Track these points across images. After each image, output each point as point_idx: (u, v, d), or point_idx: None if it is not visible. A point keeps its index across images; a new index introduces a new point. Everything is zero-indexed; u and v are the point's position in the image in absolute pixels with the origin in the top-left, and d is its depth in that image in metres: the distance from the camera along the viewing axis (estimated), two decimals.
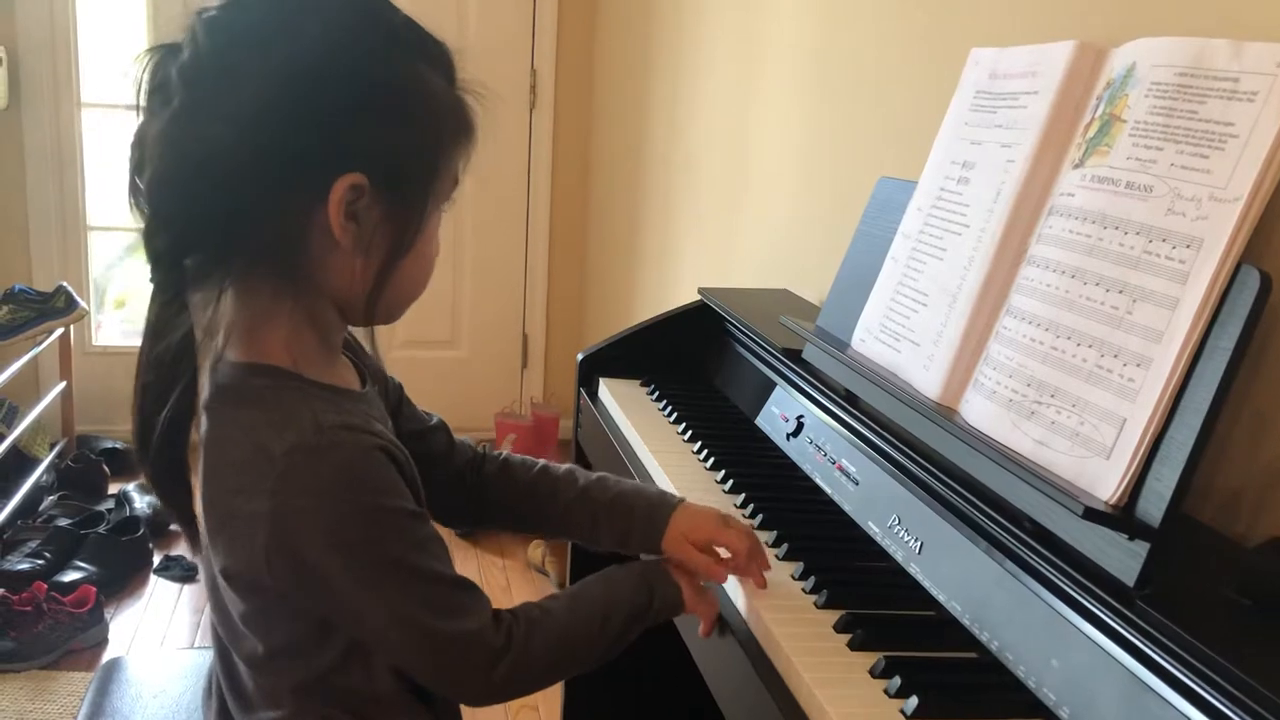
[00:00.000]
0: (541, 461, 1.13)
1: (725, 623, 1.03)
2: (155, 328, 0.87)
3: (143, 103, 0.82)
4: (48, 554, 2.66)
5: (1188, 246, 0.83)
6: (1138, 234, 0.89)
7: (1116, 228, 0.91)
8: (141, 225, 0.83)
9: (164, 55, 0.82)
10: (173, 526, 2.97)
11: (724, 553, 1.04)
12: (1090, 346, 0.90)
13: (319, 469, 0.82)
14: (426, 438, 1.09)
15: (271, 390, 0.86)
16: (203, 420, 0.89)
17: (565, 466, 1.12)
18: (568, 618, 0.95)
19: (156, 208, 0.82)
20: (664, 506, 1.06)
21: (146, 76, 0.82)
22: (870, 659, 0.90)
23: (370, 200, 0.84)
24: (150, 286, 0.86)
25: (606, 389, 1.70)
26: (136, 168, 0.83)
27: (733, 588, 1.05)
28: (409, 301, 0.93)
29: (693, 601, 1.01)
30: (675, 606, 1.01)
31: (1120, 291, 0.89)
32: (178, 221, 0.82)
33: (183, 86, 0.80)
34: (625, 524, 1.06)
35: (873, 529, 1.12)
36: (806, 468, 1.31)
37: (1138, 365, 0.85)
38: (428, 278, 0.93)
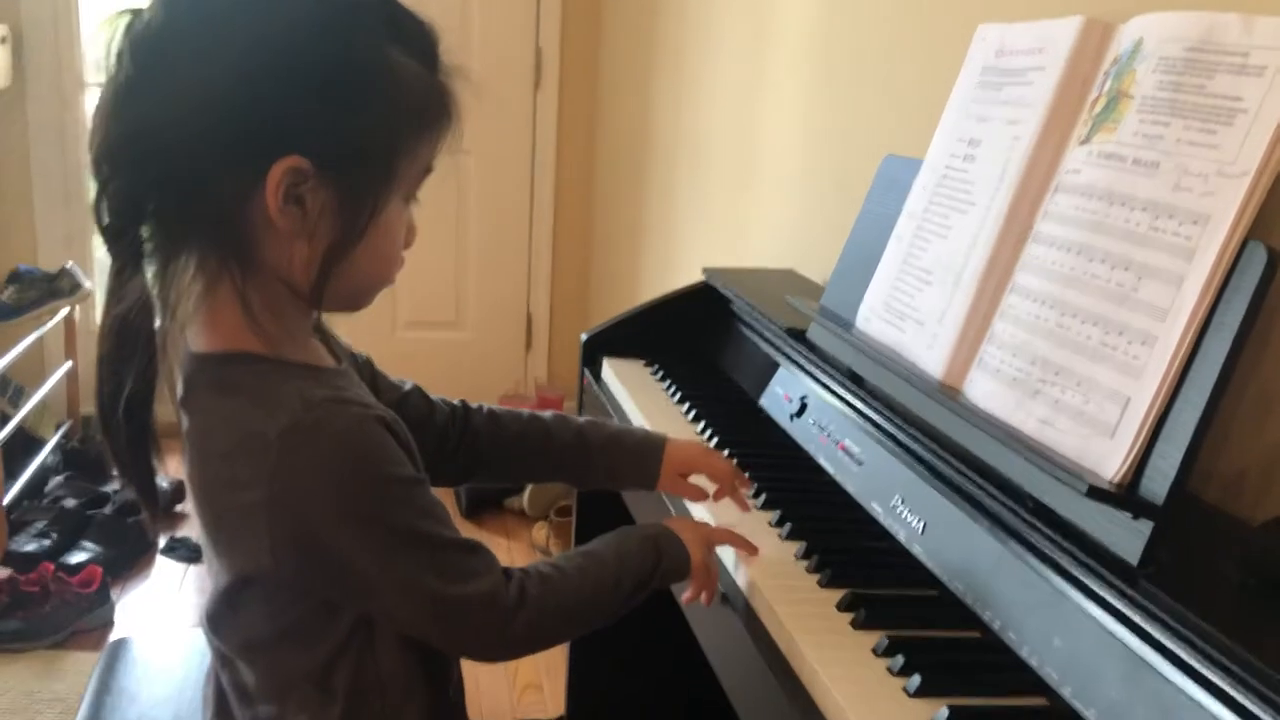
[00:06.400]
0: (526, 410, 1.17)
1: (726, 598, 1.03)
2: (109, 298, 0.85)
3: (109, 68, 0.81)
4: (54, 535, 2.67)
5: (1194, 223, 0.83)
6: (1144, 210, 0.88)
7: (1123, 204, 0.90)
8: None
9: (128, 23, 0.80)
10: (178, 508, 2.98)
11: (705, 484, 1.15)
12: (1095, 324, 0.89)
13: (317, 447, 0.81)
14: (404, 404, 1.08)
15: (250, 375, 0.84)
16: (182, 417, 0.88)
17: (550, 412, 1.17)
18: (579, 577, 0.95)
19: (100, 177, 0.81)
20: (654, 442, 1.15)
21: (111, 43, 0.80)
22: (873, 638, 0.90)
23: (315, 184, 0.81)
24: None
25: (610, 369, 1.70)
26: (90, 135, 0.82)
27: (735, 567, 1.05)
28: (369, 291, 0.90)
29: (698, 569, 1.01)
30: (681, 571, 1.00)
31: (1126, 268, 0.88)
32: (118, 193, 0.81)
33: (131, 56, 0.79)
34: (619, 462, 1.15)
35: (876, 509, 1.12)
36: (810, 448, 1.31)
37: (1143, 343, 0.84)
38: (389, 269, 0.89)
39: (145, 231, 0.83)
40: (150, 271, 0.84)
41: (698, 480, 1.16)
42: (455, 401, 1.15)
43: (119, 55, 0.79)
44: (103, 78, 0.81)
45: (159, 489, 0.92)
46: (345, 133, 0.81)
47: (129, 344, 0.85)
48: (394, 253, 0.89)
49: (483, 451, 1.14)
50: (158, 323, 0.85)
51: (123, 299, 0.84)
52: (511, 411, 1.16)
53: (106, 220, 0.82)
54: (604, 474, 1.17)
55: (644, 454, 1.14)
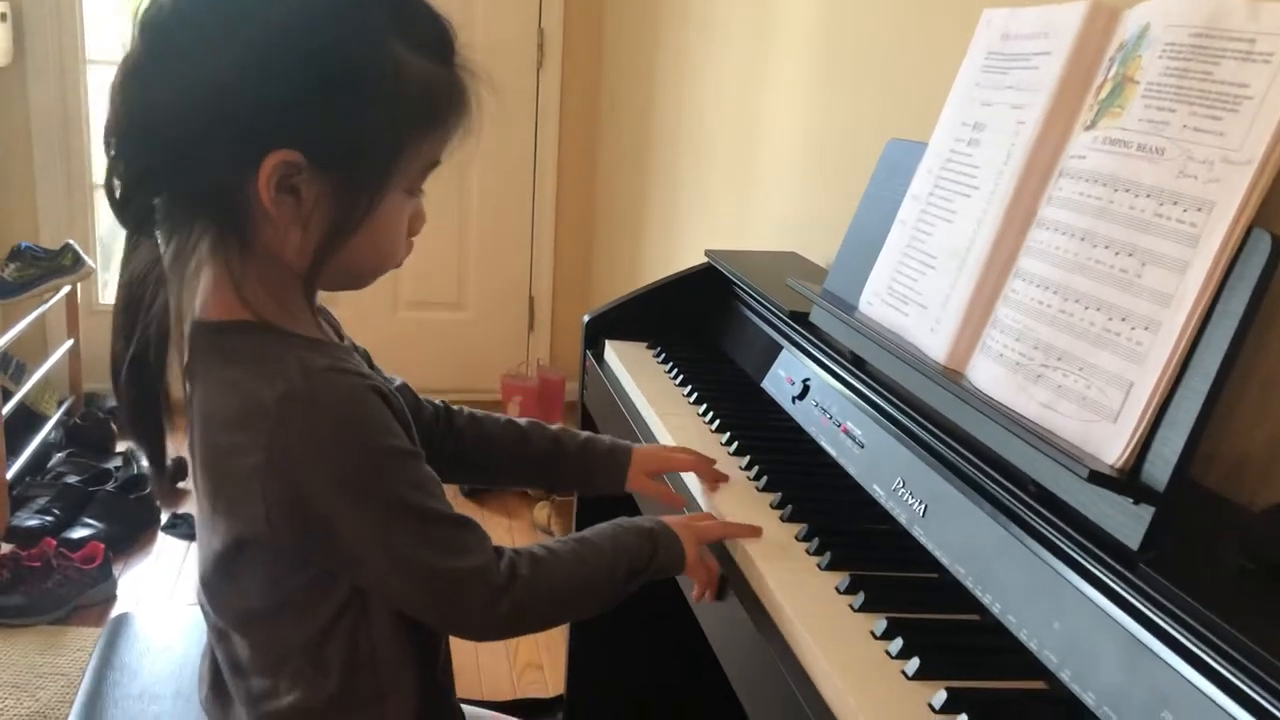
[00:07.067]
0: (503, 415, 1.21)
1: (726, 583, 1.03)
2: (123, 265, 0.88)
3: (125, 47, 0.83)
4: (56, 510, 2.68)
5: (1199, 209, 0.83)
6: (1148, 196, 0.88)
7: (1127, 190, 0.90)
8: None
9: (144, 4, 0.82)
10: (180, 484, 2.99)
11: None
12: (1099, 310, 0.90)
13: (314, 414, 0.82)
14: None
15: (252, 345, 0.86)
16: (186, 385, 0.90)
17: (525, 419, 1.21)
18: (573, 561, 0.96)
19: (109, 152, 0.84)
20: (623, 447, 1.20)
21: (134, 21, 0.82)
22: (873, 621, 0.90)
23: (310, 176, 0.82)
24: None
25: (613, 351, 1.70)
26: (107, 111, 0.84)
27: (735, 549, 1.05)
28: (369, 274, 0.91)
29: (694, 564, 1.02)
30: (676, 566, 1.02)
31: (1130, 254, 0.88)
32: (125, 168, 0.84)
33: (140, 38, 0.81)
34: (591, 466, 1.19)
35: (877, 492, 1.12)
36: (812, 431, 1.31)
37: (1146, 329, 0.84)
38: (388, 257, 0.91)
39: (157, 202, 0.85)
40: (161, 242, 0.86)
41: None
42: (438, 402, 1.18)
43: (132, 35, 0.81)
44: (106, 55, 0.83)
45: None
46: (341, 129, 0.82)
47: (137, 310, 0.87)
48: (392, 243, 0.90)
49: (466, 452, 1.17)
50: (170, 291, 0.87)
51: (133, 267, 0.87)
52: (490, 415, 1.20)
53: (117, 193, 0.85)
54: (576, 477, 1.22)
55: (614, 458, 1.19)
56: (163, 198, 0.84)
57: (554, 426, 1.20)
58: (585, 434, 1.21)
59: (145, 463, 0.95)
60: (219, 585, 0.91)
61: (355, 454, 0.84)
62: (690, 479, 1.22)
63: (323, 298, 0.95)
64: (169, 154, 0.82)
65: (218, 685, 0.97)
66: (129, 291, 0.87)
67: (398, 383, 1.12)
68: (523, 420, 1.20)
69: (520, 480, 1.26)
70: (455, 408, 1.18)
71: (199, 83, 0.80)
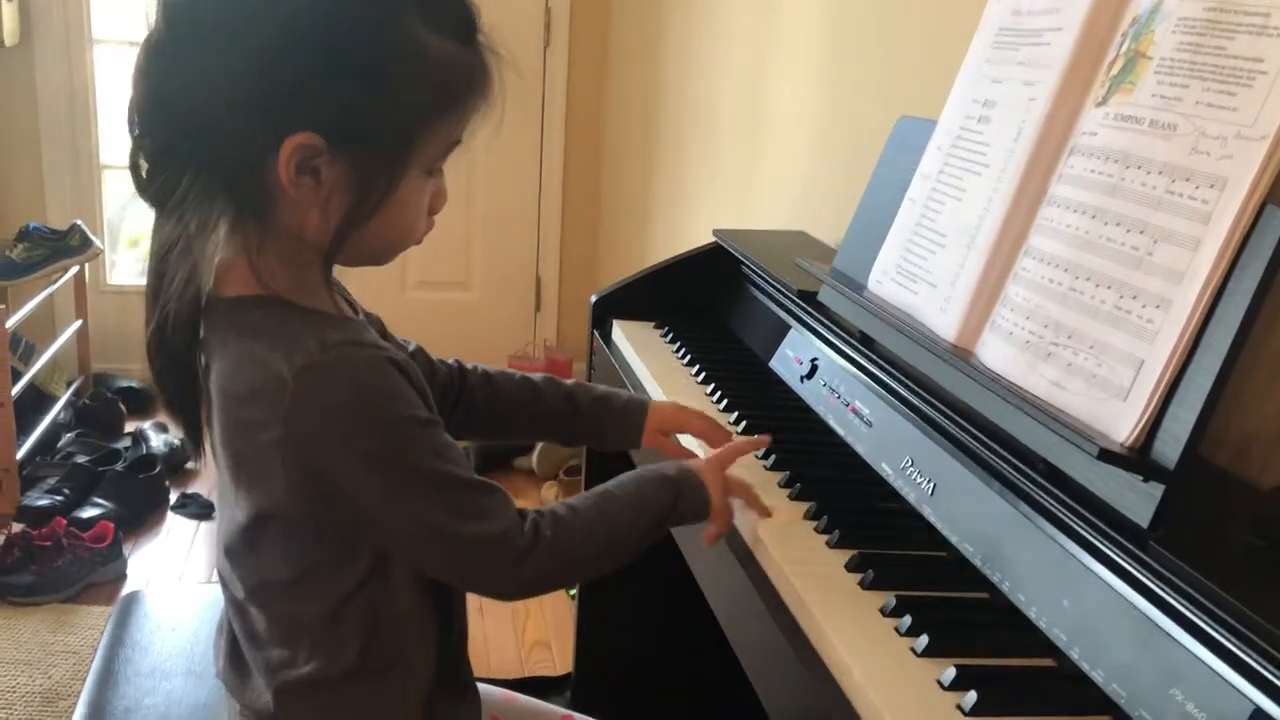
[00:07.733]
0: (517, 371, 1.21)
1: (736, 558, 1.03)
2: (152, 238, 0.89)
3: (149, 24, 0.83)
4: (66, 490, 2.70)
5: (1211, 186, 0.82)
6: (1160, 173, 0.87)
7: (1139, 167, 0.90)
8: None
9: None
10: (189, 465, 3.00)
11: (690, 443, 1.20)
12: (1109, 288, 0.89)
13: (331, 386, 0.83)
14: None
15: (269, 319, 0.87)
16: (203, 360, 0.90)
17: (540, 375, 1.20)
18: (595, 517, 0.95)
19: (131, 129, 0.84)
20: (638, 403, 1.20)
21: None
22: (881, 598, 0.90)
23: (329, 158, 0.83)
24: None
25: (620, 331, 1.70)
26: (131, 89, 0.85)
27: (745, 525, 1.05)
28: (388, 252, 0.92)
29: (718, 510, 1.02)
30: (699, 514, 1.01)
31: (1141, 232, 0.87)
32: (146, 146, 0.84)
33: (162, 17, 0.81)
34: (604, 422, 1.19)
35: (886, 470, 1.12)
36: (820, 410, 1.31)
37: (1157, 306, 0.84)
38: (407, 236, 0.91)
39: (185, 179, 0.85)
40: (183, 217, 0.86)
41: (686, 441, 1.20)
42: (451, 361, 1.18)
43: (155, 13, 0.82)
44: (113, 35, 0.84)
45: (171, 446, 0.95)
46: (360, 111, 0.83)
47: (164, 280, 0.88)
48: (411, 222, 0.91)
49: (478, 410, 1.17)
50: (191, 267, 0.88)
51: (159, 244, 0.88)
52: (504, 372, 1.20)
53: (141, 170, 0.85)
54: (590, 433, 1.21)
55: (628, 414, 1.19)
56: (187, 175, 0.85)
57: (568, 382, 1.20)
58: (601, 389, 1.21)
59: (182, 431, 0.97)
60: (243, 555, 0.92)
61: (374, 425, 0.84)
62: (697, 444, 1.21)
63: (334, 273, 0.96)
64: (189, 133, 0.82)
65: (235, 657, 0.98)
66: (155, 266, 0.89)
67: (412, 347, 1.13)
68: (537, 376, 1.20)
69: (534, 435, 1.27)
70: (469, 366, 1.19)
71: (219, 65, 0.81)
